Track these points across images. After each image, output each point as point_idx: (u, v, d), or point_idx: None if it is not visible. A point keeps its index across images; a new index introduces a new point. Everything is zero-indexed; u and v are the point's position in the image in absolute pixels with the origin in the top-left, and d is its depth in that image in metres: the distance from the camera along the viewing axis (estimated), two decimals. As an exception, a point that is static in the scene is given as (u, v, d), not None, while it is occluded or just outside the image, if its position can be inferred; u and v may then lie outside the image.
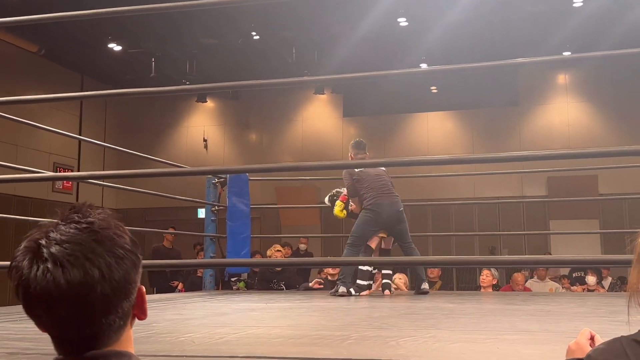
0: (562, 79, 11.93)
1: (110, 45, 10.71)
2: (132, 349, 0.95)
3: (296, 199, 10.66)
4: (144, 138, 13.20)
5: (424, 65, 10.83)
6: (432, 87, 12.41)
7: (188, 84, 11.21)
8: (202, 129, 13.44)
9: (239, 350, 2.10)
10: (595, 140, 11.06)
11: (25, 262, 0.88)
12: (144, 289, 0.97)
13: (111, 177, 5.90)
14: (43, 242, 0.88)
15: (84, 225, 0.90)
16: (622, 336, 1.13)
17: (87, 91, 12.02)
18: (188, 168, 6.01)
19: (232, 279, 6.71)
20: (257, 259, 7.37)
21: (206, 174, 6.33)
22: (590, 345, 1.26)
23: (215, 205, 6.45)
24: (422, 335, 2.56)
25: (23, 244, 0.90)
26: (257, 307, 4.36)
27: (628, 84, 11.18)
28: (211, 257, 6.31)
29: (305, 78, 10.33)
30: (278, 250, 6.66)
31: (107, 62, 11.65)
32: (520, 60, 2.86)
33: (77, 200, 12.39)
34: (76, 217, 0.92)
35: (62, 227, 0.90)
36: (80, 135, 11.90)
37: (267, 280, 6.52)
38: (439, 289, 7.07)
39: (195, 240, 9.20)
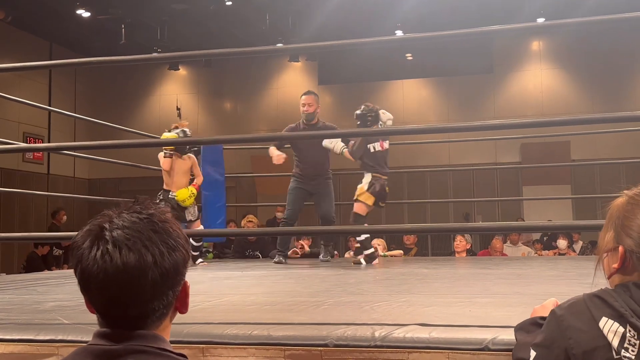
0: (536, 45, 11.98)
1: (79, 12, 10.45)
2: (168, 338, 1.02)
3: (272, 167, 10.61)
4: (115, 106, 13.00)
5: (399, 33, 10.77)
6: (408, 54, 12.38)
7: (159, 51, 11.02)
8: (174, 97, 13.27)
9: (213, 317, 2.11)
10: (568, 106, 11.18)
11: (87, 243, 0.97)
12: (189, 285, 1.04)
13: (82, 147, 5.81)
14: (107, 226, 0.97)
15: (144, 216, 0.99)
16: (584, 293, 1.17)
17: (56, 59, 11.75)
18: (161, 139, 5.94)
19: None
20: (233, 228, 7.36)
21: (180, 145, 6.27)
22: None
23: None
24: (396, 299, 2.60)
25: (86, 227, 0.99)
26: (233, 275, 4.38)
27: (600, 51, 11.27)
28: (186, 227, 6.28)
29: (279, 46, 10.22)
30: (250, 221, 6.66)
31: (75, 29, 11.38)
32: (495, 28, 2.86)
33: (48, 170, 12.21)
34: (138, 208, 1.01)
35: (125, 215, 0.99)
36: (50, 104, 11.68)
37: (242, 249, 6.53)
38: (415, 255, 7.17)
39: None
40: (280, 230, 6.09)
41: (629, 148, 10.11)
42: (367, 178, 5.08)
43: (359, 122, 5.10)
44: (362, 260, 5.03)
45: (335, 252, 7.02)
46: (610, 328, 1.09)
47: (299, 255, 6.15)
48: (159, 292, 0.96)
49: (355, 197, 5.07)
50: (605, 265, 1.22)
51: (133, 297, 0.95)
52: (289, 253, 6.21)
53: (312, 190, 5.53)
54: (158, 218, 1.00)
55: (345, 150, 5.17)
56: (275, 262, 5.39)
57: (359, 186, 5.08)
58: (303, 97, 5.58)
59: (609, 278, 1.21)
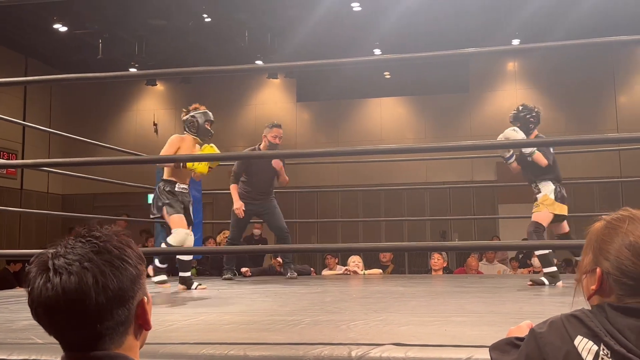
0: (511, 66, 12.19)
1: (56, 26, 10.38)
2: (136, 356, 1.04)
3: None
4: (91, 122, 12.89)
5: (377, 51, 10.89)
6: (386, 73, 12.50)
7: (137, 67, 10.98)
8: (152, 113, 13.21)
9: (189, 337, 2.10)
10: (543, 126, 11.28)
11: (33, 273, 1.00)
12: (147, 301, 1.04)
13: (57, 164, 5.74)
14: (50, 254, 1.00)
15: (88, 239, 1.01)
16: (562, 313, 1.21)
17: (31, 73, 11.64)
18: (139, 156, 5.91)
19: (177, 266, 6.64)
20: (210, 246, 7.32)
21: (157, 163, 6.24)
22: None
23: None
24: (373, 318, 2.61)
25: (35, 256, 1.02)
26: (209, 293, 4.35)
27: (575, 73, 11.49)
28: (162, 244, 6.22)
29: (259, 65, 10.27)
30: (226, 237, 6.62)
31: (52, 44, 11.29)
32: (471, 50, 2.92)
33: (21, 184, 12.04)
34: (83, 232, 1.02)
35: (70, 242, 1.01)
36: (24, 119, 11.54)
37: (219, 266, 6.48)
38: (391, 273, 7.19)
39: (145, 227, 9.08)
40: (255, 248, 6.08)
41: (603, 168, 10.31)
42: (550, 186, 4.72)
43: (518, 125, 4.85)
44: (545, 280, 4.48)
45: (312, 269, 7.01)
46: (585, 346, 1.13)
47: (250, 275, 6.15)
48: (107, 312, 0.97)
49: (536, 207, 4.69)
50: (584, 287, 1.26)
51: (79, 321, 0.96)
52: (242, 270, 6.23)
53: (258, 209, 5.70)
54: (101, 239, 1.01)
55: (538, 152, 4.76)
56: (224, 279, 5.46)
57: (542, 195, 4.72)
58: (278, 129, 5.65)
59: (588, 299, 1.25)
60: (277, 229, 5.74)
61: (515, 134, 4.73)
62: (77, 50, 11.33)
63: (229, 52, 10.66)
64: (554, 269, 4.49)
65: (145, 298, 1.04)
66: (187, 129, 4.83)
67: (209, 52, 11.04)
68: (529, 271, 7.67)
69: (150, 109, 13.27)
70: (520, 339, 1.28)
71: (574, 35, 3.65)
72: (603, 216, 1.26)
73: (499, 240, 9.66)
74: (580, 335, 1.14)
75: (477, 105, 12.11)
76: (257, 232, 8.86)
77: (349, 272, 6.42)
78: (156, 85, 12.96)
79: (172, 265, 6.59)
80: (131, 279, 1.00)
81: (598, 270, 1.20)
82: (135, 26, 10.32)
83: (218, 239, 7.13)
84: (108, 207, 11.31)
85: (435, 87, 12.07)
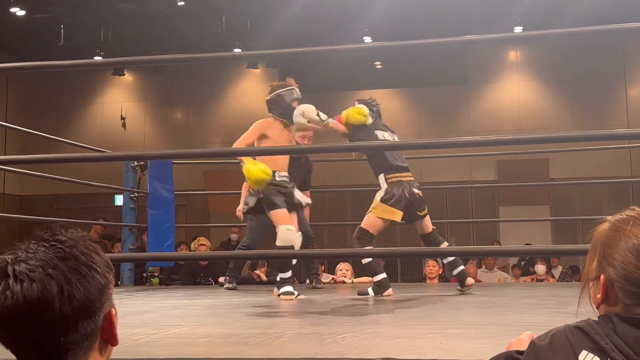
0: (513, 55, 12.26)
1: (13, 10, 10.28)
2: None
3: (227, 184, 10.56)
4: (52, 115, 12.80)
5: (368, 39, 10.90)
6: (377, 63, 12.52)
7: (103, 55, 10.91)
8: (119, 106, 13.13)
9: (159, 352, 2.09)
10: (546, 120, 11.44)
11: None
12: (114, 313, 1.03)
13: (14, 162, 5.70)
14: (9, 259, 0.97)
15: (52, 243, 0.98)
16: (565, 324, 1.20)
17: (-15, 61, 11.54)
18: (104, 154, 5.86)
19: (146, 274, 6.61)
20: (183, 252, 7.29)
21: (125, 160, 6.21)
22: None
23: (134, 191, 6.33)
24: (362, 331, 2.61)
25: None
26: (182, 304, 4.33)
27: (582, 63, 11.58)
28: (130, 250, 6.20)
29: (237, 52, 10.24)
30: (202, 244, 6.56)
31: (8, 29, 11.18)
32: (470, 38, 2.93)
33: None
34: (46, 236, 1.00)
35: (32, 246, 0.99)
36: (-23, 111, 11.43)
37: (192, 274, 6.46)
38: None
39: (112, 231, 9.03)
40: (232, 254, 6.04)
41: (611, 167, 10.40)
42: (383, 184, 4.45)
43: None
44: (370, 291, 4.41)
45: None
46: None
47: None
48: (72, 324, 0.95)
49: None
50: (591, 296, 1.25)
51: (42, 333, 0.94)
52: (219, 280, 6.16)
53: None
54: (66, 244, 0.99)
55: (332, 121, 4.55)
56: (227, 289, 5.34)
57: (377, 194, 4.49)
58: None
59: (597, 309, 1.24)
60: (302, 234, 5.52)
61: (309, 108, 4.51)
62: (37, 36, 11.23)
63: (205, 40, 10.63)
64: (380, 277, 4.35)
65: (113, 310, 1.03)
66: (272, 112, 4.58)
67: (183, 40, 10.99)
68: (532, 279, 7.71)
69: (118, 101, 13.20)
70: (521, 352, 1.28)
71: (581, 23, 3.67)
72: (607, 217, 1.25)
73: (500, 245, 9.71)
74: (585, 349, 1.13)
75: (476, 99, 12.17)
76: (234, 236, 8.84)
77: (336, 281, 6.42)
78: (124, 75, 12.87)
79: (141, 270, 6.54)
80: (99, 288, 0.99)
81: (602, 277, 1.20)
82: (102, 10, 10.25)
83: (193, 246, 7.04)
84: (71, 210, 11.23)
85: (430, 78, 12.10)
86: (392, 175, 4.49)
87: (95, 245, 1.03)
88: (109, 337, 1.02)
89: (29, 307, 0.93)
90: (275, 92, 4.62)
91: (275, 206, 4.34)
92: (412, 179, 4.62)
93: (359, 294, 4.34)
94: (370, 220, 4.42)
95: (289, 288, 4.30)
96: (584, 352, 1.13)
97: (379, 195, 4.45)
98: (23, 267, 0.95)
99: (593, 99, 11.62)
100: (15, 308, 0.93)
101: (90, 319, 0.98)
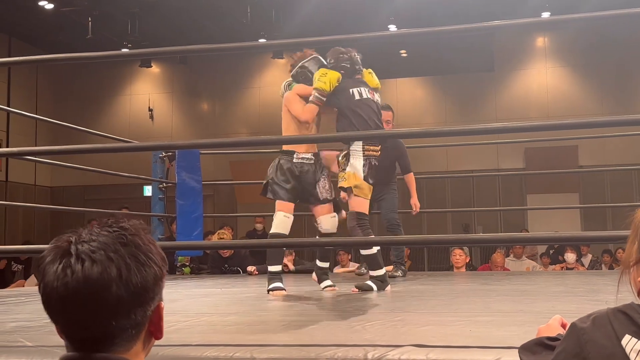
0: (540, 42, 12.10)
1: (41, 3, 10.42)
2: None
3: (253, 174, 10.61)
4: (81, 107, 12.96)
5: (392, 27, 10.84)
6: (402, 51, 12.44)
7: (130, 47, 11.00)
8: (147, 97, 13.24)
9: (191, 339, 2.11)
10: (575, 107, 11.29)
11: (50, 257, 0.99)
12: (163, 307, 1.05)
13: (44, 152, 5.78)
14: (73, 239, 1.00)
15: (115, 229, 1.02)
16: (608, 307, 1.19)
17: (15, 54, 11.69)
18: (132, 144, 5.92)
19: (176, 264, 6.66)
20: (211, 240, 7.33)
21: (152, 150, 6.26)
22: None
23: (162, 182, 6.39)
24: (390, 318, 2.61)
25: (53, 241, 1.01)
26: (211, 292, 4.37)
27: (611, 48, 11.39)
28: (159, 240, 6.26)
29: (262, 42, 10.25)
30: (221, 238, 6.57)
31: (37, 23, 11.33)
32: (496, 23, 2.89)
33: (6, 176, 12.12)
34: (110, 222, 1.04)
35: (95, 230, 1.02)
36: (9, 104, 11.60)
37: (217, 265, 6.50)
38: (408, 269, 7.19)
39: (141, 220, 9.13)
40: (258, 243, 6.05)
41: (641, 153, 10.24)
42: (359, 157, 3.96)
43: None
44: (372, 284, 3.98)
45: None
46: (634, 347, 1.10)
47: (257, 273, 6.13)
48: (125, 310, 0.97)
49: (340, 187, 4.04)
50: (632, 280, 1.24)
51: (95, 313, 0.96)
52: (248, 269, 6.19)
53: (375, 194, 4.67)
54: (129, 231, 1.02)
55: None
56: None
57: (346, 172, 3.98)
58: (387, 112, 5.23)
59: (638, 294, 1.23)
60: (385, 219, 5.56)
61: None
62: (65, 29, 11.37)
63: (230, 31, 10.66)
64: (383, 272, 4.00)
65: (162, 304, 1.05)
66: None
67: (208, 30, 11.03)
68: (562, 267, 7.64)
69: (145, 92, 13.31)
70: (552, 339, 1.26)
71: (612, 6, 3.60)
72: None
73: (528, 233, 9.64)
74: (629, 334, 1.11)
75: (503, 86, 12.04)
76: (259, 226, 8.89)
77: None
78: (151, 66, 12.98)
79: (171, 260, 6.59)
80: (154, 278, 1.01)
81: None
82: (128, 3, 10.33)
83: (214, 238, 7.01)
84: (100, 200, 11.38)
85: (456, 66, 11.99)
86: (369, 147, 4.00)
87: (153, 238, 1.06)
88: (155, 330, 1.04)
89: (87, 286, 0.95)
90: (298, 65, 4.28)
91: (278, 196, 4.13)
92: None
93: (359, 289, 3.94)
94: (359, 201, 3.99)
95: (278, 284, 3.96)
96: (627, 337, 1.11)
97: (358, 169, 3.93)
98: (86, 247, 0.98)
99: (622, 83, 11.43)
100: (75, 286, 0.95)
101: (142, 307, 0.99)
